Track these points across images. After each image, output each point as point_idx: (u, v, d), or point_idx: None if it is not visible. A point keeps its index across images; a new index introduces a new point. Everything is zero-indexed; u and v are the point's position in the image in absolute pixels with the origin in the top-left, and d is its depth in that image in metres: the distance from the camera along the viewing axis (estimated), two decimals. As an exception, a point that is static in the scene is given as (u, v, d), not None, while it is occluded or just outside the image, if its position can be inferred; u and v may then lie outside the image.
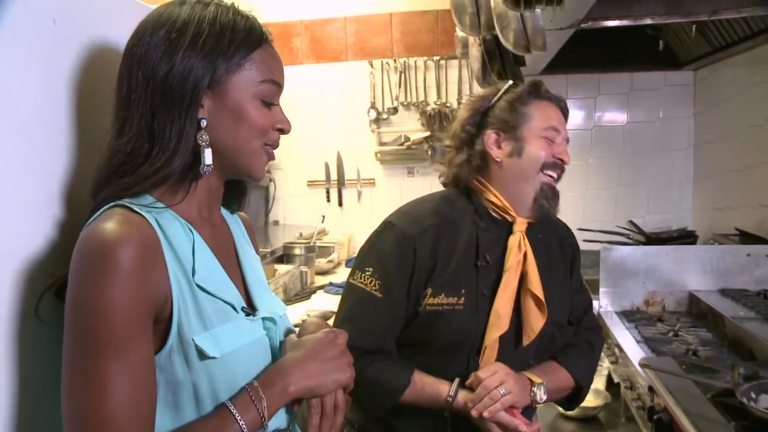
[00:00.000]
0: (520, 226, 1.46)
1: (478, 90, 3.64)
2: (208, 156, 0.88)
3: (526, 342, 1.45)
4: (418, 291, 1.41)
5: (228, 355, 0.86)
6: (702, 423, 1.28)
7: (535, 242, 1.48)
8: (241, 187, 1.06)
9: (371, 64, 3.83)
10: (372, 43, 3.85)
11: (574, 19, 2.11)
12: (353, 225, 3.94)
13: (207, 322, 0.86)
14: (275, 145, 0.96)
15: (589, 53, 3.20)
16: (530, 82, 1.51)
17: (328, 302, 2.74)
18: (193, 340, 0.83)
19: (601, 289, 2.58)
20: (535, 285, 1.44)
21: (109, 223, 0.80)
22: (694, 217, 3.66)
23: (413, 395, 1.39)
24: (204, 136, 0.87)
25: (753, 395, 1.30)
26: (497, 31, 2.08)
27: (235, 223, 1.07)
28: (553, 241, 1.58)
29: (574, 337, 1.59)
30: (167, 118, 0.85)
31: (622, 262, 2.58)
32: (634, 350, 2.06)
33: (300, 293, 2.82)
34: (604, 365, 2.39)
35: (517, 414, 1.36)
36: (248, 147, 0.91)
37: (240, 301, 0.93)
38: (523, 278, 1.45)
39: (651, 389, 1.68)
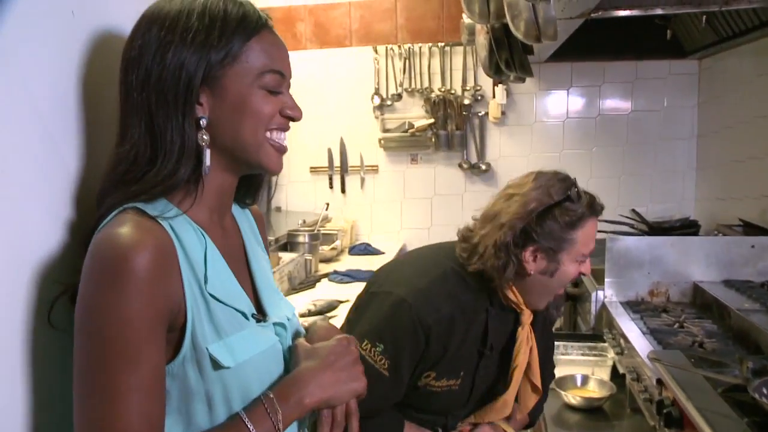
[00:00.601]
0: (528, 317, 1.50)
1: (483, 77, 3.63)
2: (208, 157, 0.85)
3: (519, 417, 1.60)
4: (422, 371, 1.44)
5: (242, 364, 0.84)
6: (714, 418, 1.29)
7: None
8: (257, 181, 1.02)
9: (375, 50, 3.81)
10: (376, 29, 3.82)
11: (585, 9, 2.09)
12: (356, 212, 3.93)
13: (220, 331, 0.84)
14: (284, 128, 0.91)
15: (595, 41, 3.18)
16: (587, 202, 1.44)
17: (332, 291, 2.74)
18: (207, 349, 0.82)
19: (606, 280, 2.58)
20: (536, 375, 1.53)
21: (124, 228, 0.77)
22: (697, 207, 3.67)
23: None
24: (204, 136, 0.84)
25: (765, 391, 1.30)
26: (508, 20, 2.06)
27: (245, 219, 1.04)
28: (551, 310, 1.61)
29: None
30: (166, 120, 0.82)
31: (628, 252, 2.59)
32: (640, 342, 2.07)
33: (304, 281, 2.82)
34: (609, 356, 2.40)
35: None
36: (255, 140, 0.87)
37: (250, 308, 0.91)
38: (526, 367, 1.53)
39: (660, 382, 1.69)
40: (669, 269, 2.54)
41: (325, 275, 3.00)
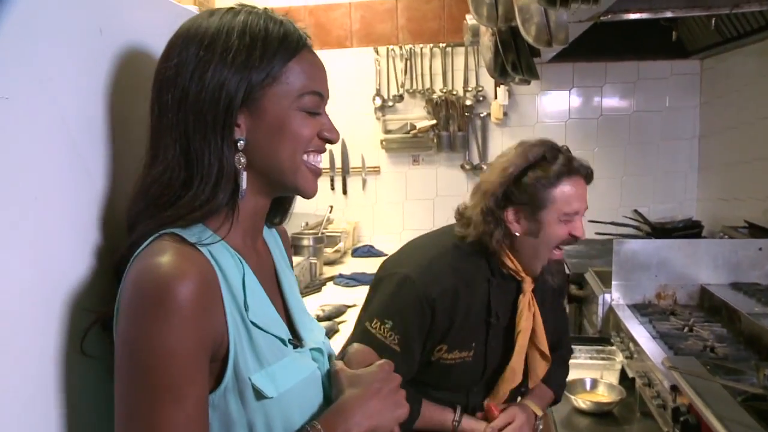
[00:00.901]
0: (529, 285, 1.54)
1: (485, 78, 3.62)
2: (245, 180, 0.82)
3: (531, 385, 1.61)
4: (433, 345, 1.49)
5: (284, 393, 0.82)
6: (736, 428, 1.28)
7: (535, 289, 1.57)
8: (287, 201, 1.00)
9: (377, 51, 3.79)
10: (377, 30, 3.80)
11: (595, 12, 2.08)
12: (358, 213, 3.92)
13: (262, 360, 0.82)
14: (320, 150, 0.88)
15: (597, 42, 3.17)
16: (564, 158, 1.49)
17: (339, 295, 2.73)
18: (249, 379, 0.79)
19: (614, 282, 2.58)
20: (542, 341, 1.56)
21: (165, 257, 0.74)
22: (699, 207, 3.67)
23: (422, 424, 1.51)
24: (242, 159, 0.82)
25: (787, 401, 1.30)
26: (518, 23, 2.05)
27: (273, 240, 1.01)
28: (546, 276, 1.61)
29: (554, 355, 1.69)
30: (203, 142, 0.79)
31: (634, 254, 2.58)
32: (650, 346, 2.07)
33: (310, 285, 2.80)
34: (617, 360, 2.40)
35: None
36: (292, 163, 0.85)
37: (287, 333, 0.89)
38: (531, 333, 1.56)
39: (674, 388, 1.68)
40: (676, 272, 2.54)
41: (331, 278, 2.98)
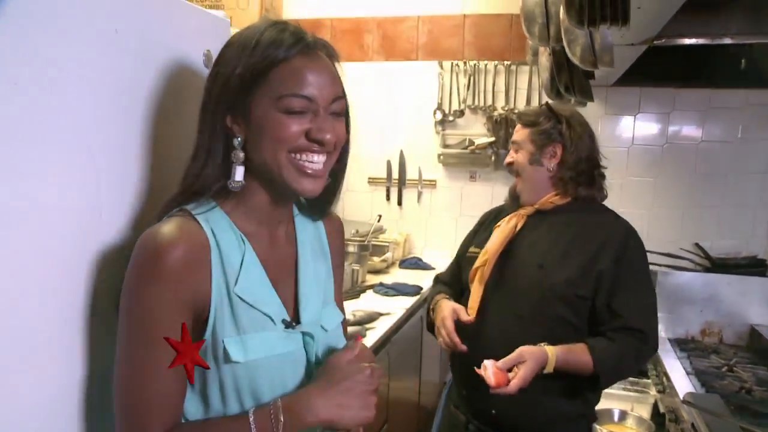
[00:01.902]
0: (522, 210, 1.88)
1: (545, 98, 3.58)
2: (237, 173, 0.93)
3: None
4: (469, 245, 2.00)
5: (253, 362, 0.90)
6: (739, 471, 1.23)
7: (549, 223, 1.83)
8: (323, 198, 1.04)
9: (441, 65, 3.81)
10: (443, 44, 3.83)
11: (647, 36, 2.04)
12: (411, 225, 3.94)
13: (240, 328, 0.91)
14: (309, 149, 0.92)
15: (666, 67, 3.09)
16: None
17: (375, 302, 2.75)
18: (223, 341, 0.89)
19: (656, 314, 2.50)
20: (493, 247, 1.83)
21: (165, 227, 0.88)
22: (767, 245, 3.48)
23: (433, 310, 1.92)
24: (239, 154, 0.92)
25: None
26: (564, 44, 2.03)
27: (312, 231, 1.10)
28: (589, 230, 1.80)
29: (616, 335, 1.69)
30: (200, 134, 0.94)
31: (680, 288, 2.50)
32: (682, 382, 2.00)
33: (349, 291, 2.84)
34: (651, 393, 2.32)
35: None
36: (275, 162, 0.92)
37: (281, 314, 0.96)
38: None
39: (693, 427, 1.63)
40: (724, 309, 2.44)
41: (371, 286, 3.01)
